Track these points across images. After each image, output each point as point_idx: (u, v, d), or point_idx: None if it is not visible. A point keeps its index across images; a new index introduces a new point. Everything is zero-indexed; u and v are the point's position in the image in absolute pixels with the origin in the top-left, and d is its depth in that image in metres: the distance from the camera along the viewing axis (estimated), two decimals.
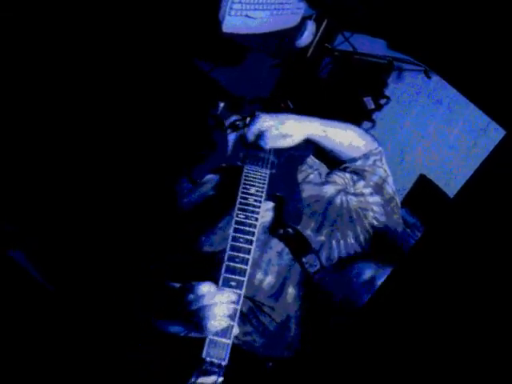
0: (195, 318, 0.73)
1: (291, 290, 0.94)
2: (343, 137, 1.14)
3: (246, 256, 0.81)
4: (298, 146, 1.11)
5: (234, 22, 1.36)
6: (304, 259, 0.95)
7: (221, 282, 0.77)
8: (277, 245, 0.97)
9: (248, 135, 1.10)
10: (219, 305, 0.73)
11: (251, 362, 0.92)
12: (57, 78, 1.42)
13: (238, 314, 0.74)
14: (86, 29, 1.41)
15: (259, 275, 0.94)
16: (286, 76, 1.74)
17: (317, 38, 1.62)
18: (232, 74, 1.64)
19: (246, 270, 0.79)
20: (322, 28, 1.60)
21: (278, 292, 0.93)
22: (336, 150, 1.15)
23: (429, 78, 1.53)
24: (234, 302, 0.74)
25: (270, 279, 0.94)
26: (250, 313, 0.93)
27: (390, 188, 1.12)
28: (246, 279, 0.78)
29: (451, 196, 1.42)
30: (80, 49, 1.43)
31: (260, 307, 0.93)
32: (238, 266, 0.79)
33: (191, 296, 0.75)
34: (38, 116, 1.41)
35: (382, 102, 1.65)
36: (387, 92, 1.64)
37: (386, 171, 1.14)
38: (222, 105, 1.21)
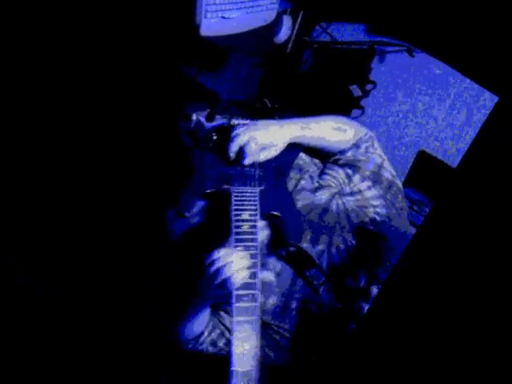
0: (216, 279, 0.80)
1: (296, 306, 0.94)
2: (327, 131, 1.10)
3: (254, 292, 0.81)
4: (282, 152, 1.06)
5: (211, 24, 1.35)
6: (308, 273, 0.93)
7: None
8: (275, 264, 0.96)
9: (229, 154, 1.03)
10: (235, 261, 0.80)
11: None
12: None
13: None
14: (65, 35, 1.39)
15: (260, 298, 0.91)
16: (268, 74, 1.73)
17: (295, 32, 1.61)
18: (213, 78, 1.62)
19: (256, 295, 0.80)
20: (298, 21, 1.59)
21: (282, 310, 0.94)
22: (322, 146, 1.11)
23: (412, 56, 1.52)
24: (249, 258, 0.82)
25: (272, 300, 0.94)
26: (260, 329, 0.93)
27: (387, 173, 1.09)
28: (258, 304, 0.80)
29: (454, 167, 1.40)
30: (62, 54, 1.40)
31: (268, 325, 0.94)
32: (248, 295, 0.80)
33: (208, 261, 0.82)
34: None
35: (369, 87, 1.64)
36: (372, 77, 1.62)
37: (380, 156, 1.10)
38: (194, 117, 1.12)
